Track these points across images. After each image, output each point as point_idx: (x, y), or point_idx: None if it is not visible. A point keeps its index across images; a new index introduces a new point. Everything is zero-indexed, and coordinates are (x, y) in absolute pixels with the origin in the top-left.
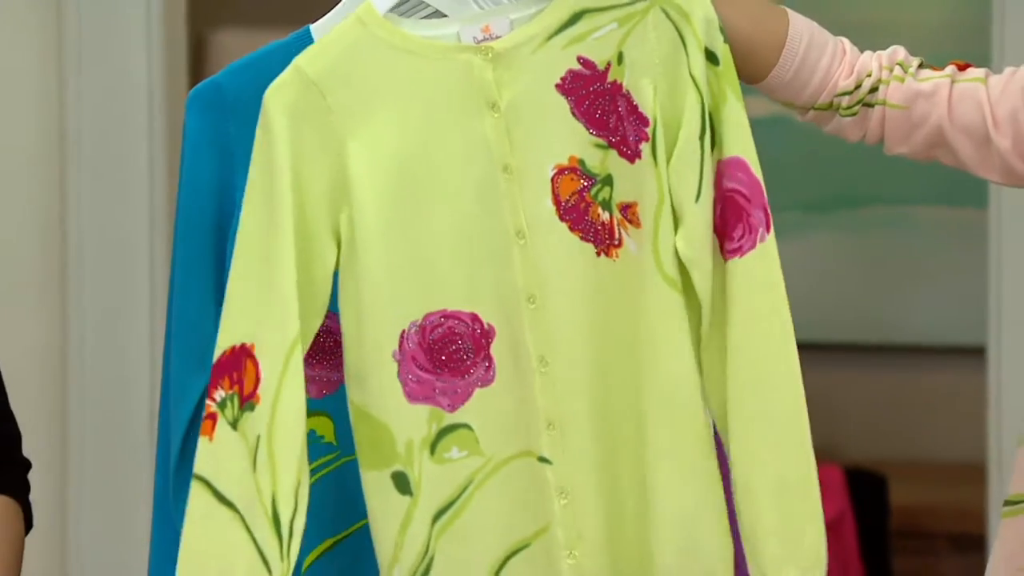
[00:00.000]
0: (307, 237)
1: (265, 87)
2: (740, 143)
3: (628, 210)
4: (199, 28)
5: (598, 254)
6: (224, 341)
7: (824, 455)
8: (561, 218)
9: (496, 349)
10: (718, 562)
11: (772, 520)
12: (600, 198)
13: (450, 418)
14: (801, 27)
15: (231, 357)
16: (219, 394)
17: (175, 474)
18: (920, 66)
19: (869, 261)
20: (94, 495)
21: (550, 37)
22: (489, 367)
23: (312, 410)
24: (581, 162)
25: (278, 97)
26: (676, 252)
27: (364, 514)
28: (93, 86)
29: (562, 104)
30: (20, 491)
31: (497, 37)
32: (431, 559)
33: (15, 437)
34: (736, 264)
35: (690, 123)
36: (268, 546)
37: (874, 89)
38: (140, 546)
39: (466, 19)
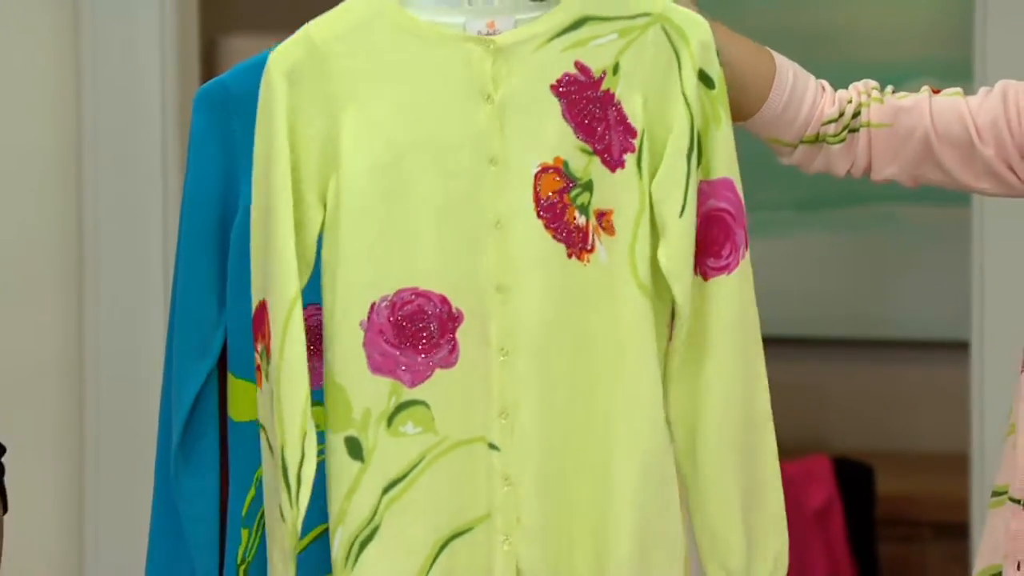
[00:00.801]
0: (299, 197)
1: None
2: (729, 165)
3: (603, 217)
4: (210, 33)
5: (569, 256)
6: (254, 298)
7: (813, 445)
8: (538, 215)
9: (461, 333)
10: (673, 561)
11: (736, 530)
12: (579, 202)
13: (409, 393)
14: (786, 63)
15: (258, 313)
16: (259, 347)
17: (177, 454)
18: (893, 91)
19: (857, 258)
20: (110, 490)
21: (552, 38)
22: (453, 350)
23: (311, 401)
24: (565, 163)
25: (281, 59)
26: (652, 263)
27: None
28: (108, 89)
29: (555, 104)
30: None
31: (500, 32)
32: (376, 527)
33: None
34: (722, 281)
35: (678, 140)
36: (280, 494)
37: (856, 113)
38: None
39: (474, 12)
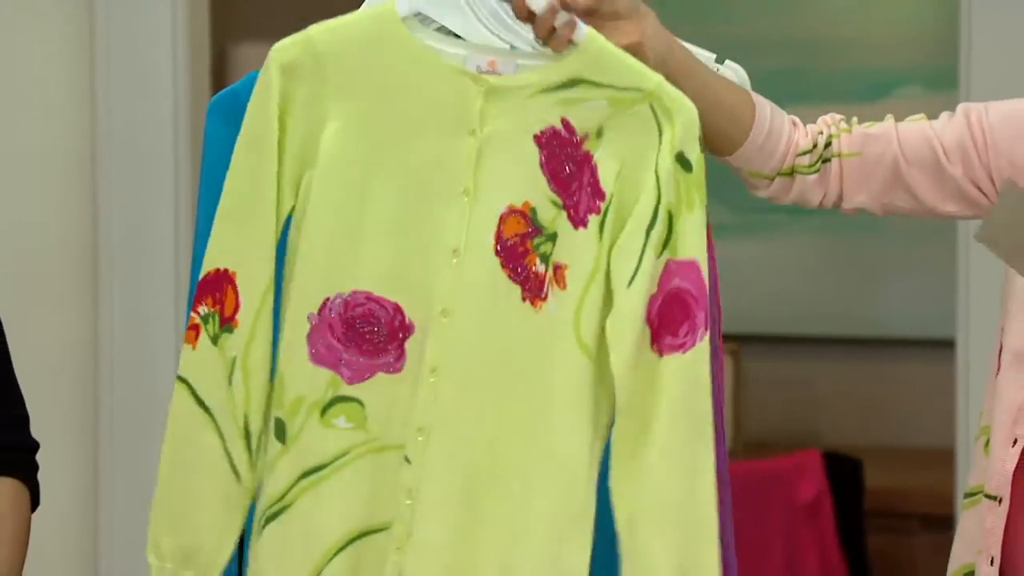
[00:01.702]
0: (279, 184)
1: None
2: (697, 248)
3: (559, 270)
4: (221, 41)
5: (523, 299)
6: (209, 264)
7: (804, 440)
8: (496, 252)
9: (410, 344)
10: None
11: None
12: (541, 250)
13: (346, 389)
14: (763, 100)
15: (215, 279)
16: (203, 309)
17: None
18: (859, 122)
19: (847, 259)
20: (125, 486)
21: (545, 91)
22: (400, 357)
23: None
24: (533, 210)
25: (281, 54)
26: (600, 325)
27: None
28: (122, 95)
29: (534, 153)
30: (28, 472)
31: (499, 74)
32: (285, 507)
33: (23, 419)
34: (675, 360)
35: (641, 214)
36: (238, 454)
37: (828, 144)
38: None
39: (477, 48)
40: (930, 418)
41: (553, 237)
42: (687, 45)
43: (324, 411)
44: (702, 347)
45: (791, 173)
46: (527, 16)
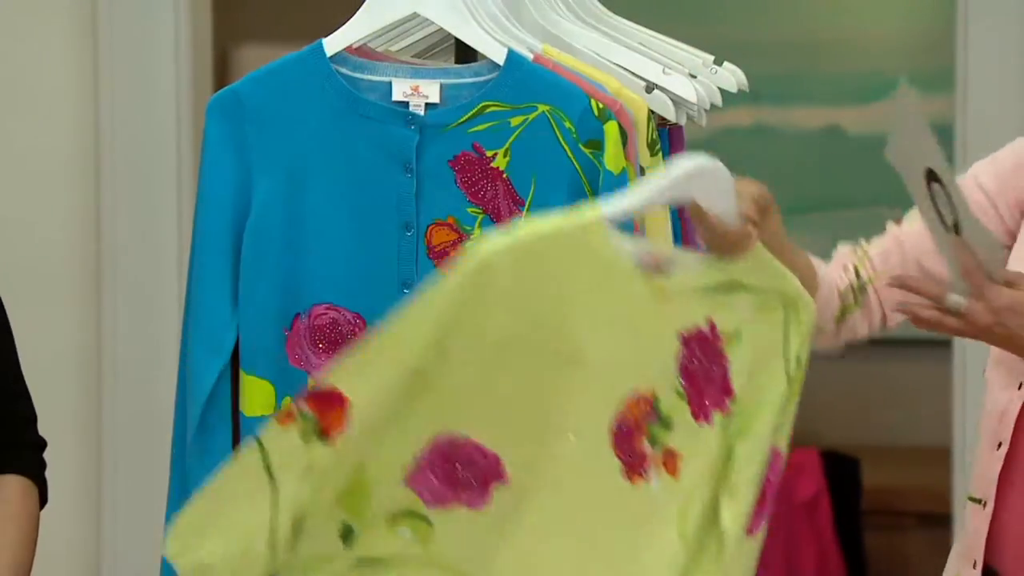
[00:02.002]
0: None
1: (279, 95)
2: (785, 438)
3: (671, 457)
4: (223, 43)
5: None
6: (328, 379)
7: (802, 439)
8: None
9: (498, 491)
10: None
11: None
12: (654, 434)
13: (423, 510)
14: (810, 256)
15: (328, 395)
16: (304, 406)
17: (194, 443)
18: (867, 242)
19: None
20: (127, 486)
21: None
22: (486, 497)
23: None
24: (657, 399)
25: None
26: (702, 520)
27: None
28: (125, 97)
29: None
30: (35, 470)
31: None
32: None
33: (31, 417)
34: (754, 540)
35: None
36: (283, 532)
37: (857, 275)
38: None
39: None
40: (927, 417)
41: (668, 423)
42: (683, 47)
43: (393, 518)
44: (763, 531)
45: (843, 316)
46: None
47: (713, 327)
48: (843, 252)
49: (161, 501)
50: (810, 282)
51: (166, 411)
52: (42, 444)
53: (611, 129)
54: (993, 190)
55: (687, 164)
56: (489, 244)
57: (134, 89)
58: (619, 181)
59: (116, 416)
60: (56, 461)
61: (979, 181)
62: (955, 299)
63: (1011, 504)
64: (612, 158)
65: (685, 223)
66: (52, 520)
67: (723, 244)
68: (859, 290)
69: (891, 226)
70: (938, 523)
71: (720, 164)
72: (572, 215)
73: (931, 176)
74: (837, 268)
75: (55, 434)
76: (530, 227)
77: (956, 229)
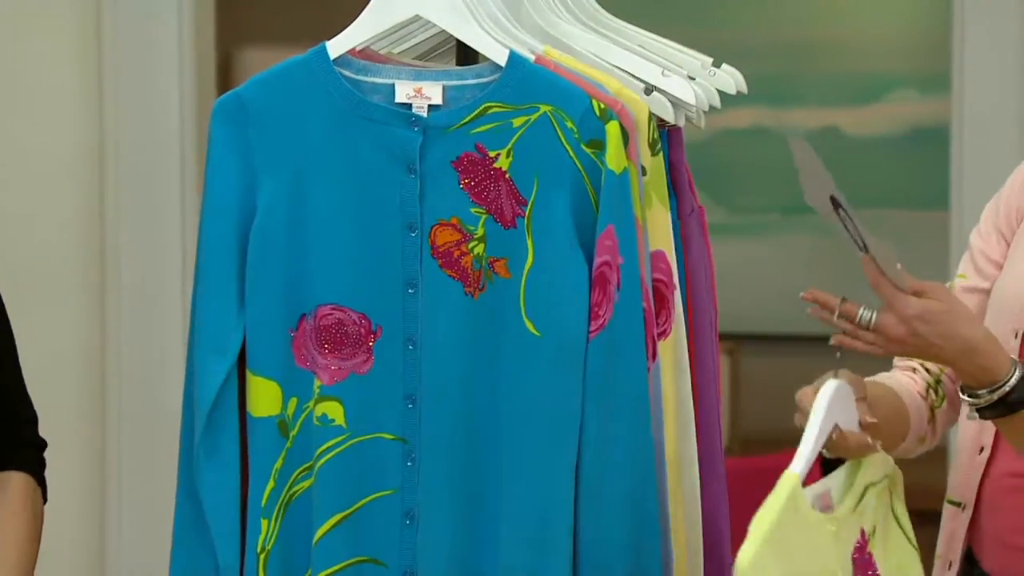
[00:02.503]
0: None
1: (283, 98)
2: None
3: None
4: (226, 46)
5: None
6: None
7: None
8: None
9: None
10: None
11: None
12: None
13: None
14: (902, 397)
15: None
16: None
17: (201, 444)
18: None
19: (842, 259)
20: (131, 485)
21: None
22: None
23: (324, 395)
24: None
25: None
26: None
27: (371, 490)
28: (129, 99)
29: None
30: (37, 468)
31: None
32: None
33: (32, 418)
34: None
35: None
36: None
37: (927, 370)
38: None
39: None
40: None
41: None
42: (682, 49)
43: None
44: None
45: (934, 416)
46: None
47: (863, 534)
48: (899, 362)
49: (165, 500)
50: (902, 411)
51: (170, 410)
52: (43, 445)
53: (613, 129)
54: (1002, 222)
55: (828, 391)
56: (746, 556)
57: (138, 91)
58: (621, 180)
59: (120, 415)
60: (60, 460)
61: (995, 223)
62: (866, 313)
63: (993, 506)
64: (614, 158)
65: (684, 225)
66: (56, 519)
67: (849, 450)
68: (936, 385)
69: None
70: (936, 522)
71: (842, 380)
72: (779, 490)
73: (835, 203)
74: (906, 371)
75: (59, 433)
76: (761, 523)
77: (864, 250)
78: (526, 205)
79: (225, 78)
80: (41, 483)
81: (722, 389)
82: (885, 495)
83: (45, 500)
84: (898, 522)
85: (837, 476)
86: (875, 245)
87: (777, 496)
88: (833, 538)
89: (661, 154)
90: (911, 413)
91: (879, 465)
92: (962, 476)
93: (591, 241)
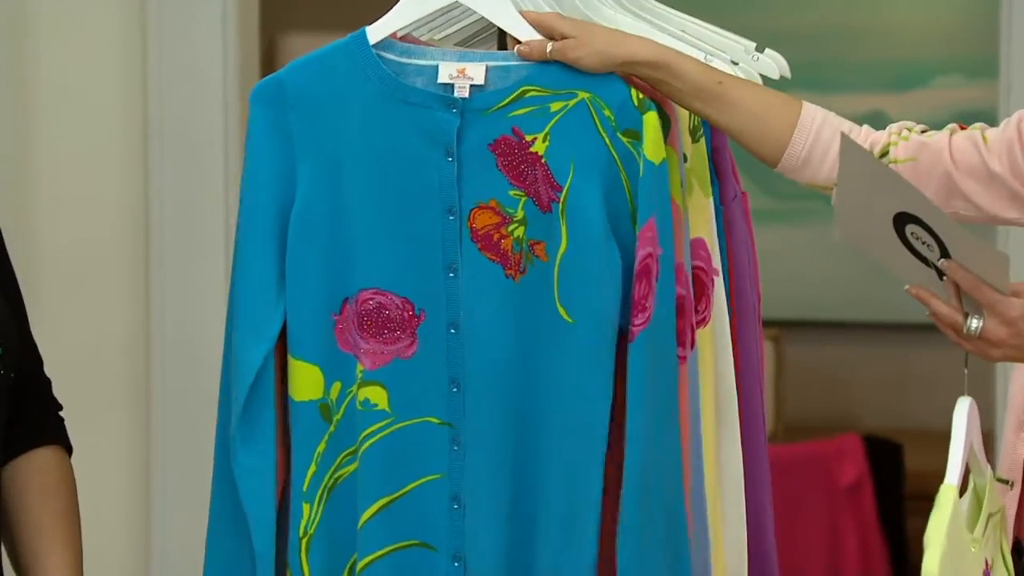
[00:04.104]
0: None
1: (322, 82)
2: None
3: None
4: (270, 31)
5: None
6: None
7: (845, 425)
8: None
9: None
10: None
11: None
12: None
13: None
14: (814, 110)
15: None
16: None
17: (238, 430)
18: (924, 131)
19: None
20: (176, 471)
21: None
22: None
23: (367, 380)
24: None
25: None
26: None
27: (418, 474)
28: (173, 85)
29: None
30: (63, 435)
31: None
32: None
33: (47, 382)
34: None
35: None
36: None
37: (884, 153)
38: None
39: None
40: None
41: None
42: (725, 33)
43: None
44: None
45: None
46: None
47: (987, 563)
48: (895, 127)
49: (209, 486)
50: (769, 116)
51: (215, 398)
52: (60, 406)
53: (651, 119)
54: None
55: (964, 407)
56: (932, 564)
57: (182, 77)
58: (659, 171)
59: (165, 401)
60: (105, 446)
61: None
62: (973, 322)
63: None
64: (652, 148)
65: (727, 211)
66: (102, 506)
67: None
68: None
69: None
70: None
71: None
72: (943, 502)
73: (902, 220)
74: (873, 137)
75: (104, 420)
76: (937, 532)
77: (945, 255)
78: (561, 191)
79: (269, 64)
80: (68, 448)
81: (766, 376)
82: (998, 529)
83: (70, 451)
84: (1004, 559)
85: (965, 500)
86: (965, 248)
87: (943, 509)
88: (975, 560)
89: (703, 140)
90: (814, 137)
91: (996, 497)
92: (1008, 454)
93: (623, 230)
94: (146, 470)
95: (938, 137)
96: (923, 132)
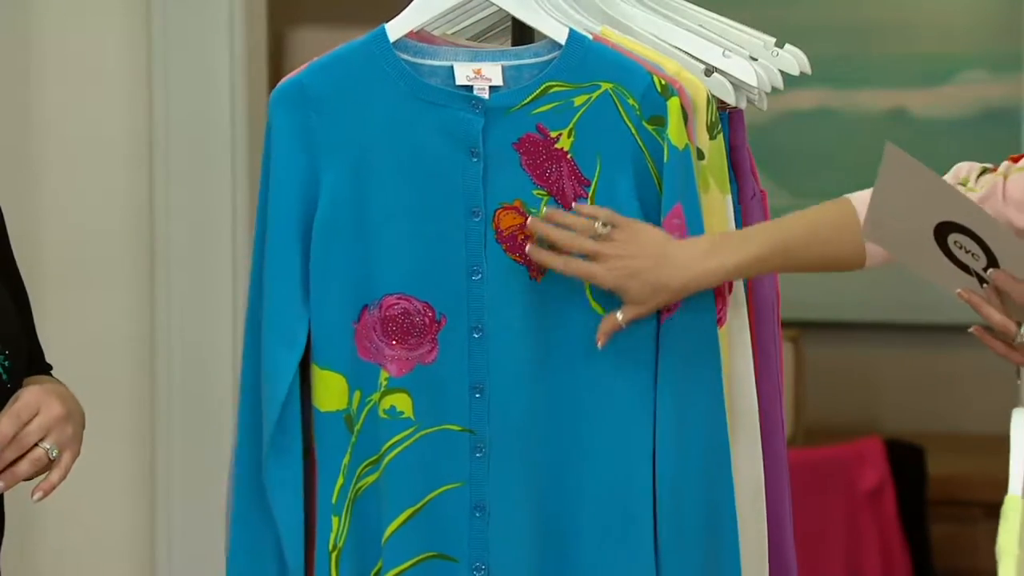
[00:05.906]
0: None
1: (344, 83)
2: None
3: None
4: (278, 26)
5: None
6: None
7: (866, 428)
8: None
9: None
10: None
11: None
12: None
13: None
14: (862, 196)
15: None
16: None
17: (272, 443)
18: (981, 173)
19: None
20: (181, 471)
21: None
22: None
23: (392, 387)
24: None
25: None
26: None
27: (439, 483)
28: (179, 80)
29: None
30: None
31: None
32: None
33: (41, 353)
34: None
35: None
36: None
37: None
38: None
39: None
40: (992, 404)
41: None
42: (744, 29)
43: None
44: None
45: None
46: None
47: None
48: (949, 177)
49: (214, 485)
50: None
51: (220, 396)
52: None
53: (674, 105)
54: None
55: (1020, 421)
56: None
57: (188, 71)
58: (684, 156)
59: (170, 400)
60: (110, 444)
61: None
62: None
63: None
64: (676, 133)
65: (746, 210)
66: (106, 505)
67: None
68: None
69: (1005, 164)
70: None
71: None
72: (1010, 514)
73: (946, 228)
74: None
75: (109, 417)
76: (1009, 545)
77: (993, 264)
78: (588, 186)
79: (276, 58)
80: None
81: (785, 377)
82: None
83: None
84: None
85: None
86: (1012, 254)
87: (1011, 519)
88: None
89: (720, 137)
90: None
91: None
92: None
93: (654, 220)
94: (150, 469)
95: (991, 187)
96: (980, 175)
